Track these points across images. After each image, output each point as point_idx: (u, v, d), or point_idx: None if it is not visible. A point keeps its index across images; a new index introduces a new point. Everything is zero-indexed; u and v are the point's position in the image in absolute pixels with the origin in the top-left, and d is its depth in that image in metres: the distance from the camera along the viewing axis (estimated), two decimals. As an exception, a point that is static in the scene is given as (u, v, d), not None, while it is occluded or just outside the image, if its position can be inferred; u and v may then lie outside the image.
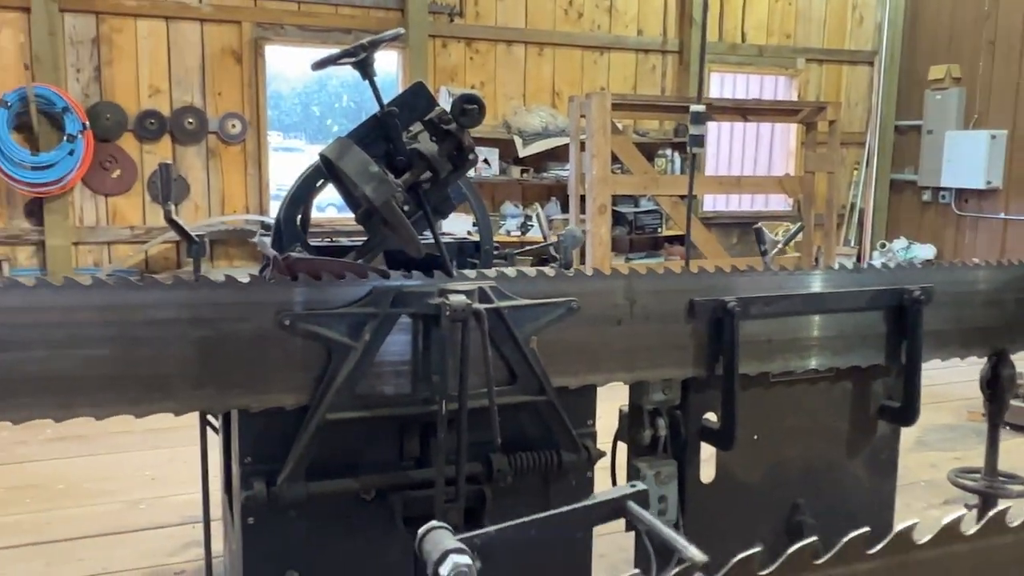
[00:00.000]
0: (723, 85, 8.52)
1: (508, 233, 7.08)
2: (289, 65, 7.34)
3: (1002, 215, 8.02)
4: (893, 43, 8.76)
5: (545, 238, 2.58)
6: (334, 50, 2.00)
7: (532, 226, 7.11)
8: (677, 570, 0.89)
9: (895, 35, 8.75)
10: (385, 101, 2.01)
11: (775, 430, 2.48)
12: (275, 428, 1.91)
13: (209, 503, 2.54)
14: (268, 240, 2.45)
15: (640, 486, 0.86)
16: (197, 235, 2.04)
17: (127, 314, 1.74)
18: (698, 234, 6.59)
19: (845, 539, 1.06)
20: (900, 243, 8.59)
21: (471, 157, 2.01)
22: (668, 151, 7.76)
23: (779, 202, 8.77)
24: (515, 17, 7.31)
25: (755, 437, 2.45)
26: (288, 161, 8.22)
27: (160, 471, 3.92)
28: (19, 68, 5.93)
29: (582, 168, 5.91)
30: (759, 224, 2.49)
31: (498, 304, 1.97)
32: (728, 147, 8.98)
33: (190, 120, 6.37)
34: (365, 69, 1.92)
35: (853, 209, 8.87)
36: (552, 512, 0.84)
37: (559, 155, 7.10)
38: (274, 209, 7.15)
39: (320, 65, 1.96)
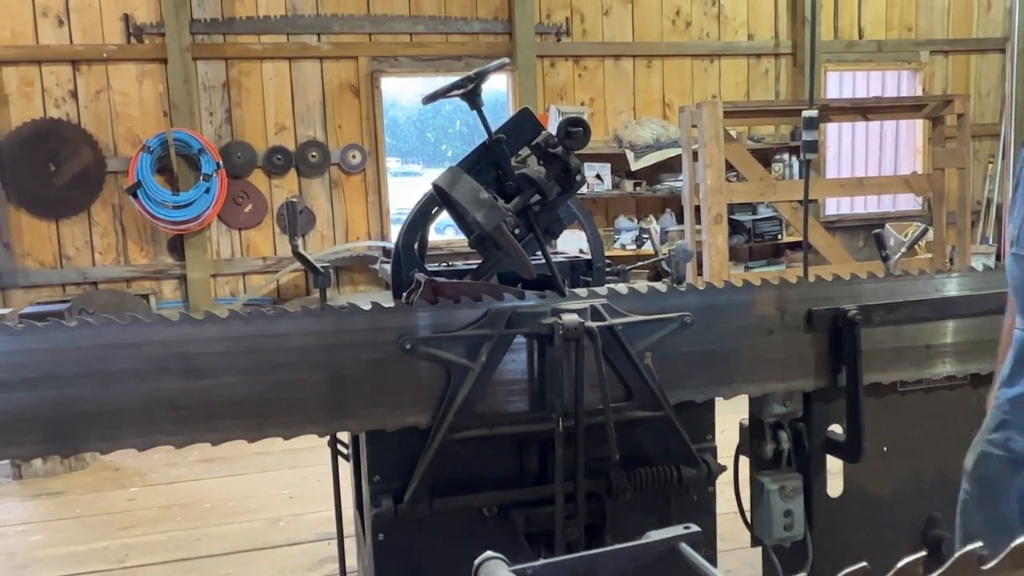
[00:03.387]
0: (842, 84, 8.24)
1: (623, 247, 7.07)
2: (404, 93, 7.58)
3: None
4: (1026, 27, 8.25)
5: (657, 253, 2.58)
6: (446, 77, 2.09)
7: (647, 239, 7.07)
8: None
9: (1028, 19, 8.24)
10: (494, 125, 2.08)
11: (906, 441, 2.39)
12: (401, 447, 2.00)
13: (342, 521, 2.65)
14: (389, 267, 2.56)
15: (693, 528, 0.86)
16: (323, 265, 2.16)
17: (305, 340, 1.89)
18: (820, 239, 6.39)
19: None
20: (1044, 238, 8.04)
21: (578, 178, 2.05)
22: (785, 155, 7.56)
23: (908, 202, 8.39)
24: (622, 31, 7.32)
25: (884, 448, 2.37)
26: (407, 185, 8.48)
27: (297, 490, 4.11)
28: (159, 115, 6.38)
29: (696, 178, 5.84)
30: (878, 229, 2.42)
31: (610, 321, 2.00)
32: (850, 147, 8.66)
33: (314, 153, 6.68)
34: (473, 100, 2.00)
35: (990, 205, 8.39)
36: (601, 550, 0.85)
37: (672, 166, 7.04)
38: (395, 234, 7.39)
39: (431, 99, 2.05)
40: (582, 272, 2.59)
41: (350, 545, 3.51)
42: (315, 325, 1.90)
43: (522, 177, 2.01)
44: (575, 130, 1.95)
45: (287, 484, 4.18)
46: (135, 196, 6.18)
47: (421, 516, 1.98)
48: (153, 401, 1.79)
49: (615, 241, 7.08)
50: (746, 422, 2.41)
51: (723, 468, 2.21)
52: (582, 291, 2.12)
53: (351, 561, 3.37)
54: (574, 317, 1.92)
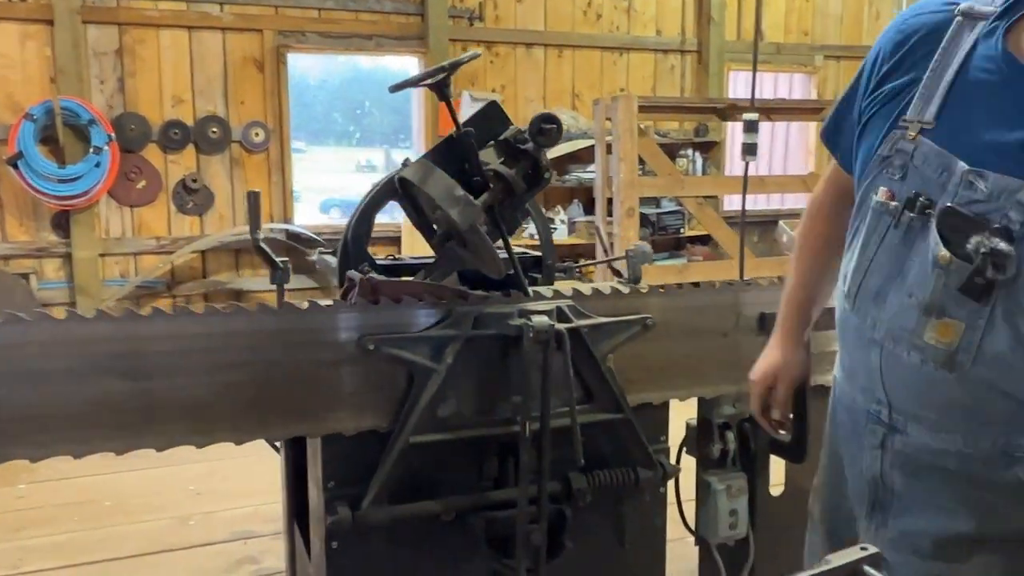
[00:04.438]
0: (738, 83, 8.48)
1: (532, 236, 7.06)
2: (312, 70, 7.31)
3: None
4: (910, 38, 8.71)
5: (606, 252, 2.56)
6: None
7: (555, 228, 7.09)
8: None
9: (912, 30, 8.70)
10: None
11: (843, 441, 2.46)
12: (357, 452, 1.91)
13: (294, 528, 2.52)
14: (330, 259, 2.45)
15: (871, 549, 0.83)
16: (282, 260, 2.03)
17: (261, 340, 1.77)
18: (723, 234, 6.58)
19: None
20: (921, 239, 8.55)
21: (546, 176, 2.00)
22: (689, 151, 7.74)
23: (798, 200, 8.72)
24: (534, 19, 7.29)
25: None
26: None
27: (203, 485, 3.92)
28: (45, 81, 5.92)
29: (608, 171, 5.89)
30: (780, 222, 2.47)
31: (577, 323, 1.97)
32: (733, 147, 8.91)
33: (214, 129, 6.36)
34: (442, 91, 1.92)
35: (872, 205, 8.83)
36: (785, 580, 0.82)
37: (581, 157, 7.07)
38: (299, 217, 7.14)
39: (399, 87, 1.95)
40: (529, 268, 2.55)
41: (265, 545, 3.38)
42: (272, 323, 1.78)
43: (491, 173, 1.94)
44: (548, 127, 1.90)
45: (192, 479, 3.97)
46: (15, 167, 5.72)
47: (380, 523, 1.90)
48: (92, 404, 1.64)
49: (524, 231, 7.06)
50: (693, 422, 2.43)
51: (677, 469, 2.22)
52: (547, 291, 2.08)
53: (272, 562, 3.25)
54: (544, 319, 1.88)
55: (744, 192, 4.03)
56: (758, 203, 8.93)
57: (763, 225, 8.46)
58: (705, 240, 7.61)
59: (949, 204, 1.23)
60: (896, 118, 1.33)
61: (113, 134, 5.94)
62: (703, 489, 2.40)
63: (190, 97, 6.33)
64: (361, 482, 1.91)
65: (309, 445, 2.03)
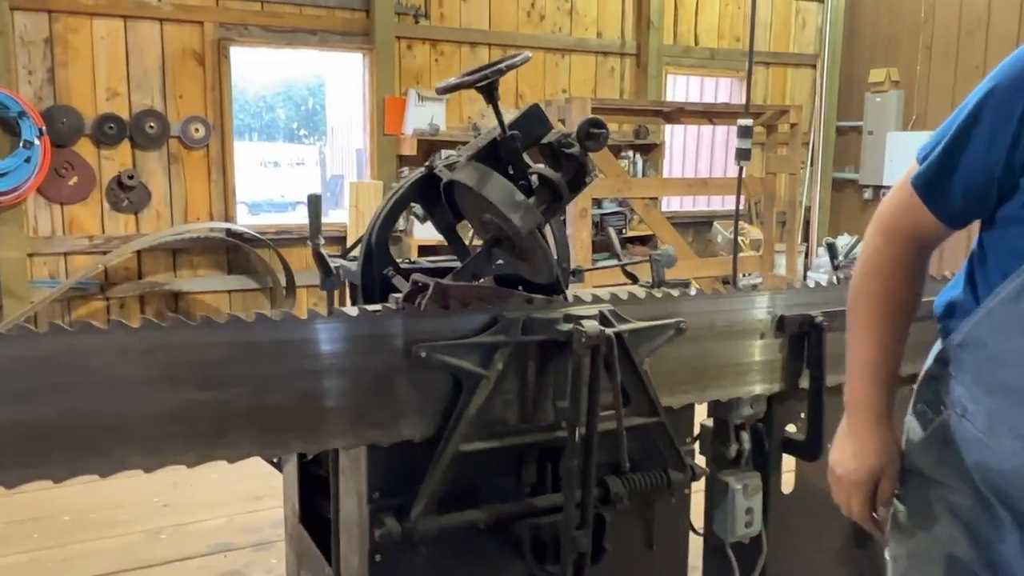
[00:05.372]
0: (676, 87, 8.67)
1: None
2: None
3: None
4: (834, 47, 9.07)
5: (618, 256, 2.58)
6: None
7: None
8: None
9: (835, 39, 9.06)
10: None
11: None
12: (401, 462, 1.87)
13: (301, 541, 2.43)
14: (346, 263, 2.37)
15: None
16: (336, 265, 1.96)
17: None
18: (668, 235, 6.71)
19: None
20: (844, 239, 8.90)
21: (587, 180, 1.99)
22: (629, 153, 7.85)
23: (730, 202, 8.96)
24: (479, 19, 7.26)
25: (829, 445, 2.51)
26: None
27: (169, 497, 3.76)
28: (-31, 70, 5.58)
29: (561, 172, 5.91)
30: (831, 239, 2.55)
31: (619, 327, 1.97)
32: (670, 149, 9.12)
33: (151, 124, 6.10)
34: (490, 93, 1.89)
35: (799, 207, 9.14)
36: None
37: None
38: (241, 217, 6.93)
39: (449, 89, 1.91)
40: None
41: (249, 557, 3.27)
42: (330, 331, 1.72)
43: (538, 176, 1.92)
44: (597, 131, 1.89)
45: (156, 491, 3.79)
46: (-64, 161, 5.37)
47: (428, 534, 1.85)
48: (165, 415, 1.56)
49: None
50: (708, 423, 2.47)
51: (705, 471, 2.25)
52: (603, 294, 2.08)
53: (255, 573, 3.14)
54: (595, 324, 1.87)
55: (738, 195, 4.13)
56: (685, 204, 9.15)
57: (697, 226, 8.67)
58: (645, 240, 7.74)
59: None
60: None
61: (44, 127, 5.63)
62: (719, 488, 2.44)
63: (126, 90, 6.06)
64: (404, 493, 1.86)
65: (344, 456, 1.97)
